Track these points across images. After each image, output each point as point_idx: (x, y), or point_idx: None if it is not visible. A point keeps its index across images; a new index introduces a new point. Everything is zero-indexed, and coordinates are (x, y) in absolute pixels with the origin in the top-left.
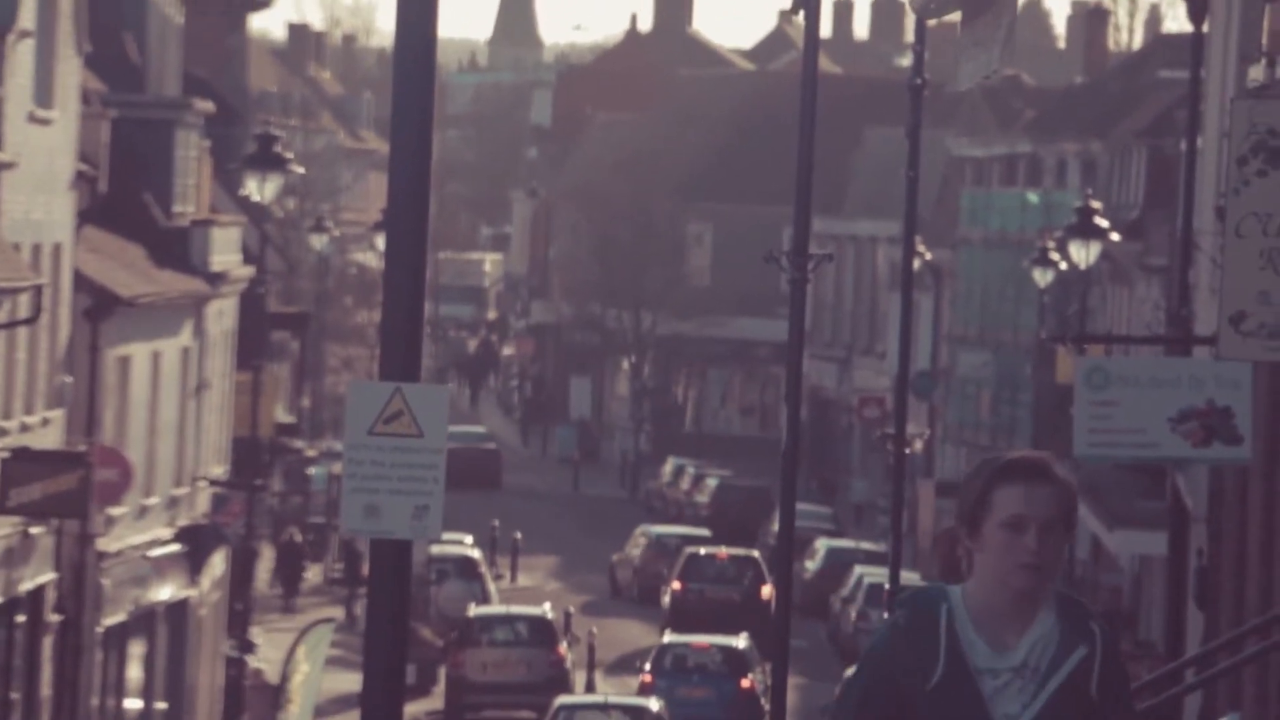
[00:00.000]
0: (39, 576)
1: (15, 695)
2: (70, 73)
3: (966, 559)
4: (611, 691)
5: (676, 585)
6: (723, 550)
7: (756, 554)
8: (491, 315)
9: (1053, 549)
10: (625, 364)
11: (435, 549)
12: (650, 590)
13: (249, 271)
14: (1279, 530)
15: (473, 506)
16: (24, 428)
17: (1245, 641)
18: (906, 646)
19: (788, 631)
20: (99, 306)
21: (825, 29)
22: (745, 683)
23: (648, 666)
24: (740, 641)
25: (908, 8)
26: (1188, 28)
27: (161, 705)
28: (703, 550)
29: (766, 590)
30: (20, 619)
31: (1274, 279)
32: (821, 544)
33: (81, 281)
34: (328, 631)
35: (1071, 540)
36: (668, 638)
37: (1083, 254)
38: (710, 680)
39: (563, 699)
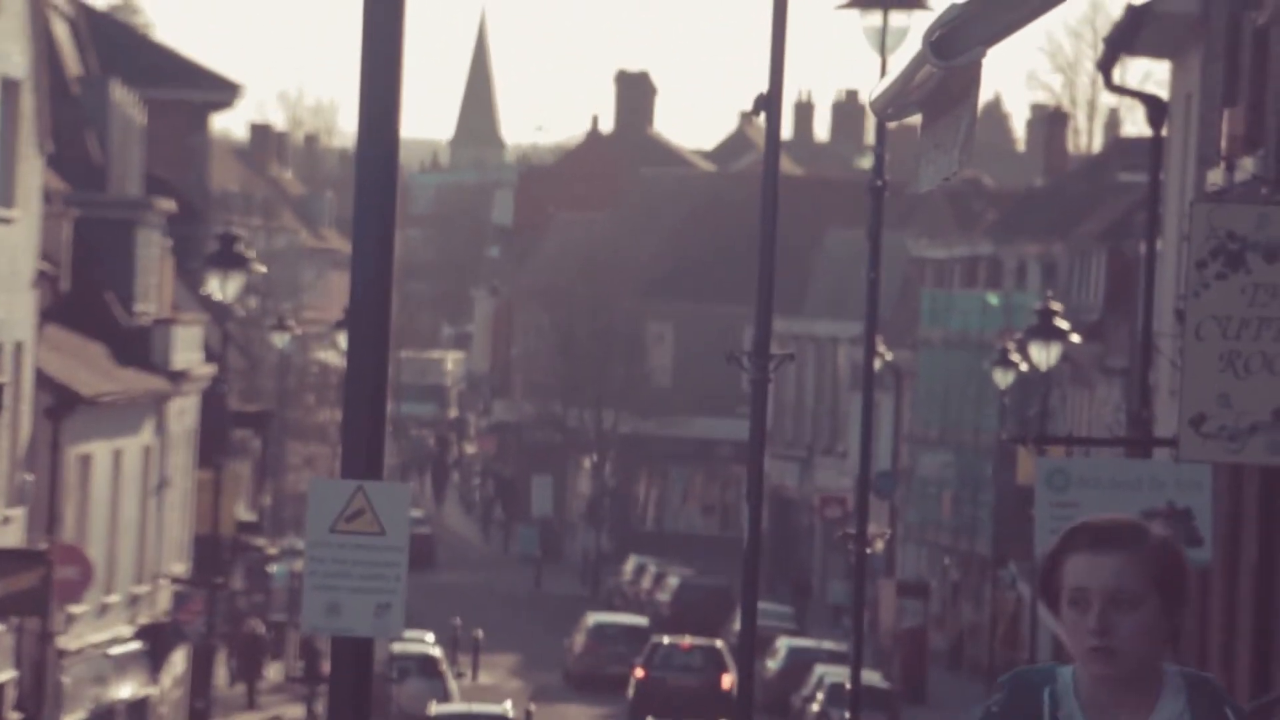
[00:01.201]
0: None
1: None
2: (32, 172)
3: (1062, 638)
4: None
5: (640, 673)
6: (686, 640)
7: (719, 644)
8: (453, 414)
9: (1128, 628)
10: (587, 463)
11: (397, 647)
12: (590, 676)
13: (210, 370)
14: (1240, 631)
15: (434, 603)
16: None
17: None
18: None
19: None
20: (60, 405)
21: (786, 130)
22: None
23: None
24: None
25: (868, 110)
26: (1147, 132)
27: None
28: (666, 639)
29: (728, 680)
30: None
31: (1234, 381)
32: (783, 643)
33: (43, 380)
34: None
35: (1162, 616)
36: None
37: (1043, 355)
38: None
39: None
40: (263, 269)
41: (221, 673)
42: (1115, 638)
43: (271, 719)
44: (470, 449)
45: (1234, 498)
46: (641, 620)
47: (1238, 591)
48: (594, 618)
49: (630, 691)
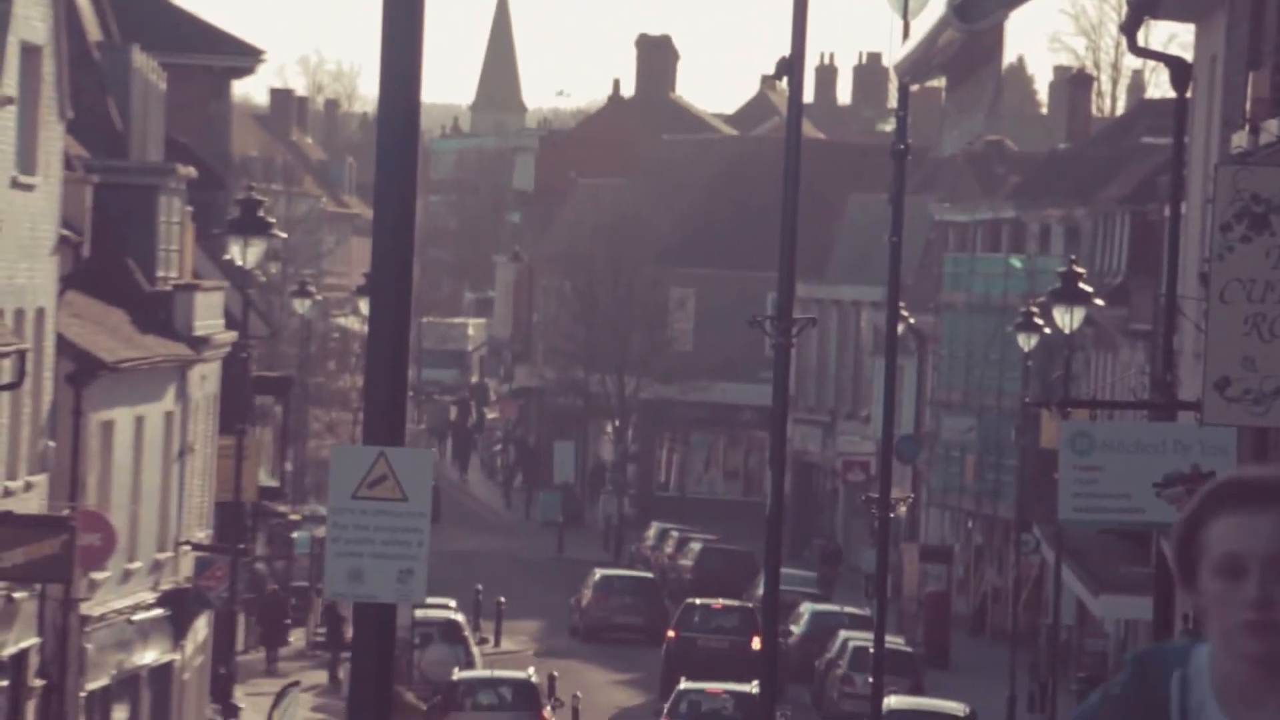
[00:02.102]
0: (22, 641)
1: None
2: (53, 139)
3: (1198, 615)
4: None
5: (672, 634)
6: (718, 601)
7: (751, 605)
8: (475, 379)
9: None
10: (609, 428)
11: (419, 612)
12: (598, 628)
13: (232, 336)
14: None
15: (456, 570)
16: (7, 492)
17: None
18: None
19: (774, 695)
20: (82, 371)
21: (808, 94)
22: None
23: (665, 711)
24: (753, 688)
25: (891, 73)
26: (1171, 94)
27: None
28: (698, 600)
29: (758, 640)
30: (3, 684)
31: (1258, 344)
32: (806, 608)
33: (64, 346)
34: (296, 696)
35: None
36: (683, 684)
37: (1067, 319)
38: None
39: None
40: (283, 235)
41: (244, 638)
42: (1277, 611)
43: (291, 685)
44: (491, 415)
45: (1259, 460)
46: (647, 574)
47: None
48: (601, 572)
49: (663, 652)
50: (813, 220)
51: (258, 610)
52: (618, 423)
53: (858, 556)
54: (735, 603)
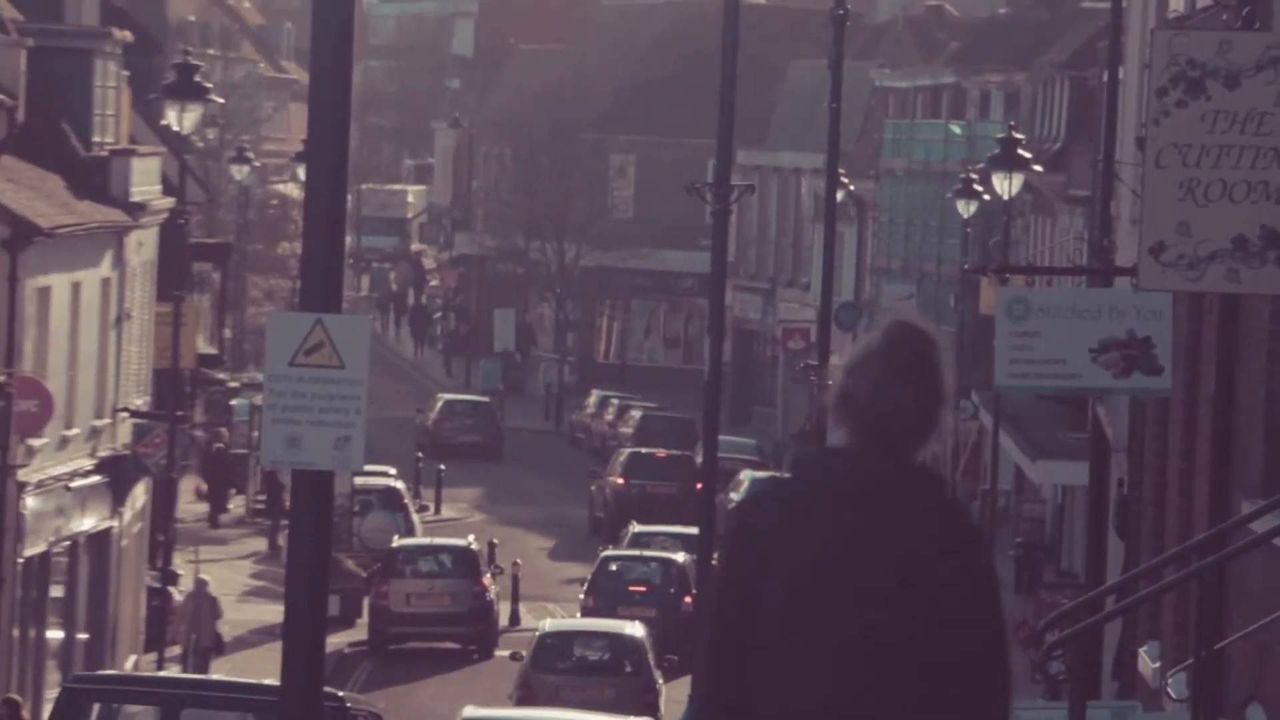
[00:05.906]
0: None
1: None
2: None
3: None
4: (533, 618)
5: (620, 481)
6: (660, 450)
7: (691, 454)
8: (415, 247)
9: None
10: (549, 296)
11: (358, 480)
12: (444, 445)
13: (169, 202)
14: (1199, 460)
15: (397, 437)
16: None
17: (1165, 570)
18: None
19: (713, 543)
20: (18, 237)
21: None
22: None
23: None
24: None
25: None
26: None
27: (83, 636)
28: (643, 449)
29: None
30: None
31: (1193, 210)
32: (745, 475)
33: (0, 212)
34: None
35: None
36: (635, 527)
37: (1005, 185)
38: None
39: (605, 552)
40: (220, 100)
41: (187, 496)
42: None
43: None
44: (431, 283)
45: (1193, 326)
46: (484, 399)
47: (1196, 420)
48: (444, 396)
49: (609, 497)
50: (752, 86)
51: (203, 469)
52: (558, 290)
53: (795, 424)
54: (676, 451)
